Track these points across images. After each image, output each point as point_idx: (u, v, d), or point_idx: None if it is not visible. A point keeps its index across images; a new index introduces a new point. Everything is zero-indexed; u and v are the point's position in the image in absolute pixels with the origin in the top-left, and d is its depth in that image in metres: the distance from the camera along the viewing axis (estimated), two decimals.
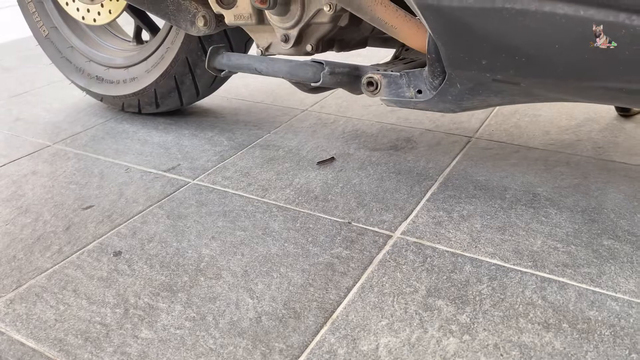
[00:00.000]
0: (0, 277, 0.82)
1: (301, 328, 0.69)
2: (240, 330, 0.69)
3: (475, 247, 0.82)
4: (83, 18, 1.32)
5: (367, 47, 1.13)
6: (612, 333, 0.65)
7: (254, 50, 1.54)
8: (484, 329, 0.67)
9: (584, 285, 0.73)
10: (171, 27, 1.26)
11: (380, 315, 0.70)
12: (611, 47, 0.60)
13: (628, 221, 0.86)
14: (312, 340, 0.67)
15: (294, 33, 0.97)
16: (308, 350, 0.65)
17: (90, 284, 0.79)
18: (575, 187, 0.97)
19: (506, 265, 0.78)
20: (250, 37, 1.23)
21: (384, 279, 0.77)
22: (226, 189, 1.03)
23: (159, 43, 1.29)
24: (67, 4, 1.33)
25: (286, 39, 0.99)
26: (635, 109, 1.26)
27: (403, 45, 1.05)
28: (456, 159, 1.10)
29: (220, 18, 1.07)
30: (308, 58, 0.97)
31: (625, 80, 0.63)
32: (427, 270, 0.78)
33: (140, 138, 1.30)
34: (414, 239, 0.85)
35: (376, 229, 0.88)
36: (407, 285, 0.75)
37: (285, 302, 0.73)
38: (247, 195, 1.01)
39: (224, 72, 1.08)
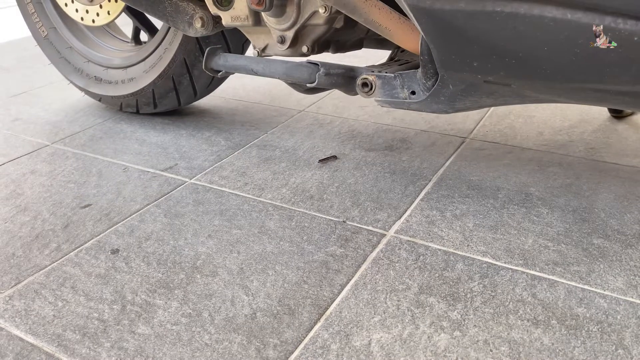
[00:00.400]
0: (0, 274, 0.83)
1: (295, 324, 0.70)
2: (235, 326, 0.70)
3: (468, 245, 0.84)
4: (82, 19, 1.33)
5: (363, 49, 1.14)
6: (600, 329, 0.67)
7: (251, 52, 1.55)
8: (475, 325, 0.68)
9: (573, 283, 0.75)
10: (169, 28, 1.27)
11: (373, 312, 0.71)
12: (602, 48, 0.61)
13: (618, 220, 0.88)
14: (306, 335, 0.68)
15: (290, 34, 0.98)
16: (302, 345, 0.67)
17: (88, 281, 0.80)
18: (567, 187, 0.99)
19: (497, 263, 0.79)
20: (247, 38, 1.24)
21: (377, 276, 0.78)
22: (223, 189, 1.05)
23: (157, 44, 1.30)
24: (66, 4, 1.34)
25: (282, 41, 1.00)
26: (627, 111, 1.27)
27: (398, 46, 1.06)
28: (450, 159, 1.12)
29: (217, 19, 1.09)
30: (304, 59, 0.99)
31: (612, 82, 0.64)
32: (419, 268, 0.79)
33: (138, 138, 1.31)
34: (407, 238, 0.86)
35: (370, 228, 0.89)
36: (400, 283, 0.76)
37: (280, 299, 0.74)
38: (244, 195, 1.02)
39: (221, 73, 1.10)
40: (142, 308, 0.74)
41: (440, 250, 0.83)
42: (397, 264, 0.80)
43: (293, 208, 0.97)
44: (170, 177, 1.11)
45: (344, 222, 0.92)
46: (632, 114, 1.28)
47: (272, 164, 1.14)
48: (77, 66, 1.48)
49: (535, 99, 0.79)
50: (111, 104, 1.47)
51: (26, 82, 1.85)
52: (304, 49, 1.00)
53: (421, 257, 0.82)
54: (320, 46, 1.01)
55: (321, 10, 0.91)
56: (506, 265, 0.79)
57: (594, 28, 0.60)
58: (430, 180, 1.04)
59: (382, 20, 0.86)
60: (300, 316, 0.71)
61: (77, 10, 1.33)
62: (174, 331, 0.70)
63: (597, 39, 0.61)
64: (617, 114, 1.28)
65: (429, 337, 0.67)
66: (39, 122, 1.46)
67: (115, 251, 0.87)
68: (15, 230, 0.95)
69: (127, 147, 1.26)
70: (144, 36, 1.51)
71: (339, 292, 0.75)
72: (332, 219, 0.93)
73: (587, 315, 0.69)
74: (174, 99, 1.36)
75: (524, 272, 0.77)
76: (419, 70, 0.84)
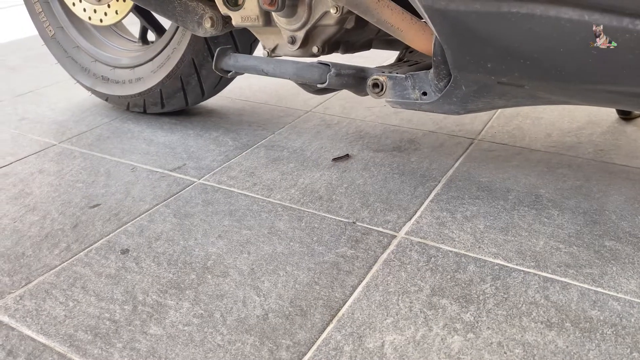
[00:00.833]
0: (10, 274, 0.83)
1: (307, 325, 0.70)
2: (247, 327, 0.70)
3: (479, 247, 0.83)
4: (90, 18, 1.33)
5: (370, 49, 1.14)
6: (614, 332, 0.66)
7: (258, 51, 1.55)
8: (488, 328, 0.68)
9: (586, 285, 0.74)
10: (177, 28, 1.27)
11: (386, 314, 0.71)
12: (611, 47, 0.61)
13: (629, 223, 0.88)
14: (319, 337, 0.68)
15: (300, 35, 0.98)
16: (315, 347, 0.66)
17: (98, 281, 0.80)
18: (577, 189, 0.98)
19: (509, 265, 0.79)
20: (256, 38, 1.24)
21: (388, 278, 0.78)
22: (232, 189, 1.05)
23: (165, 44, 1.30)
24: (73, 4, 1.34)
25: (293, 41, 1.00)
26: (636, 112, 1.27)
27: (407, 47, 1.06)
28: (459, 161, 1.11)
29: (227, 19, 1.08)
30: (314, 60, 0.99)
31: (628, 83, 0.64)
32: (431, 270, 0.79)
33: (146, 138, 1.31)
34: (418, 239, 0.86)
35: (380, 229, 0.89)
36: (412, 284, 0.76)
37: (292, 300, 0.74)
38: (253, 195, 1.02)
39: (231, 74, 1.10)
40: (153, 308, 0.74)
41: (451, 251, 0.83)
42: (408, 266, 0.80)
43: (302, 209, 0.96)
44: (179, 177, 1.10)
45: (353, 223, 0.91)
46: None
47: (280, 164, 1.14)
48: (84, 66, 1.48)
49: (547, 100, 0.79)
50: (118, 103, 1.47)
51: (32, 82, 1.85)
52: (315, 49, 1.00)
53: (432, 258, 0.81)
54: (330, 47, 1.01)
55: (332, 11, 0.91)
56: (518, 267, 0.79)
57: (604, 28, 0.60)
58: (439, 182, 1.03)
59: (394, 20, 0.86)
60: (313, 317, 0.71)
61: (84, 10, 1.33)
62: (186, 332, 0.70)
63: (608, 40, 0.60)
64: (626, 116, 1.28)
65: (442, 339, 0.67)
66: (46, 121, 1.46)
67: (125, 251, 0.87)
68: (24, 229, 0.95)
69: (134, 147, 1.26)
70: (151, 36, 1.51)
71: (351, 294, 0.75)
72: (342, 219, 0.93)
73: (601, 317, 0.69)
74: (181, 99, 1.36)
75: (536, 274, 0.77)
76: (431, 71, 0.84)
